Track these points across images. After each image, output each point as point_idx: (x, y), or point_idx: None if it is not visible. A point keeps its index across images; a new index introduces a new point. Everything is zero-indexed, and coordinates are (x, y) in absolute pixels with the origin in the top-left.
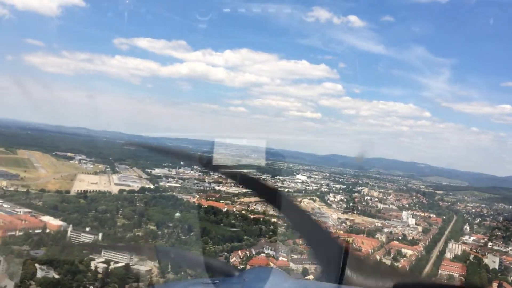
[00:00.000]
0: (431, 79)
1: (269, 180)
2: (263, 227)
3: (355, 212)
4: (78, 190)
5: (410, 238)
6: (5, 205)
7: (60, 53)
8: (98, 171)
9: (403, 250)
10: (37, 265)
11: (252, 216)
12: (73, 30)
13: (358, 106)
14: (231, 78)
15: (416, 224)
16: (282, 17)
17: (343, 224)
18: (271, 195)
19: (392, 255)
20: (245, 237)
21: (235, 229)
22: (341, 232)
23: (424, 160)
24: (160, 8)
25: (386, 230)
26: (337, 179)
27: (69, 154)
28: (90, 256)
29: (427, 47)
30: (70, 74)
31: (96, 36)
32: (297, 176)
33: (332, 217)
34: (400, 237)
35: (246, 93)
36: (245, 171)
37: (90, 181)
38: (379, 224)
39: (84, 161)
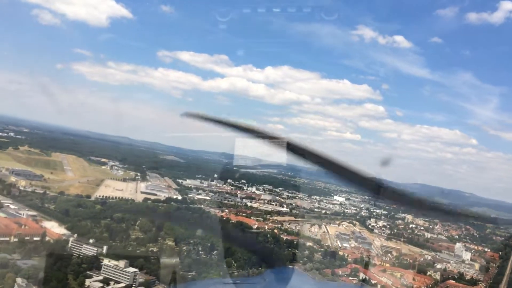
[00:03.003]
0: (478, 106)
1: (305, 199)
2: (297, 251)
3: (401, 240)
4: (99, 196)
5: (468, 277)
6: (12, 206)
7: (107, 63)
8: (127, 177)
9: None
10: (18, 280)
11: (285, 238)
12: (119, 41)
13: (400, 130)
14: (271, 95)
15: (471, 260)
16: (325, 36)
17: (389, 254)
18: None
19: None
20: (277, 262)
21: (264, 252)
22: (387, 265)
23: (469, 189)
24: (204, 23)
25: (438, 265)
26: (377, 203)
27: (102, 160)
28: (88, 272)
29: (475, 73)
30: (115, 84)
31: (141, 48)
32: (335, 197)
33: (375, 243)
34: (456, 275)
35: (285, 110)
36: None
37: (116, 187)
38: (429, 257)
39: (116, 167)
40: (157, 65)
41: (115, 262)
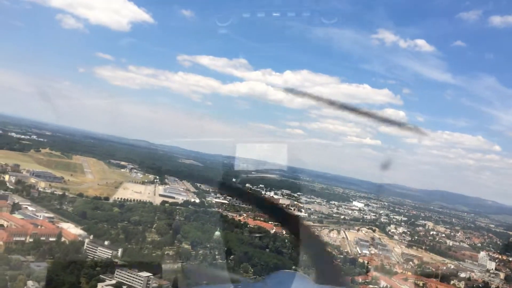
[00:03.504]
0: (502, 111)
1: (324, 205)
2: None
3: (423, 248)
4: (117, 198)
5: (494, 286)
6: (30, 208)
7: (127, 67)
8: (146, 181)
9: None
10: (29, 283)
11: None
12: (140, 46)
13: (421, 136)
14: (290, 99)
15: (496, 269)
16: (345, 40)
17: (410, 262)
18: (288, 220)
19: None
20: (293, 267)
21: (282, 257)
22: (409, 273)
23: (491, 197)
24: (223, 27)
25: (462, 274)
26: (397, 209)
27: (122, 163)
28: (101, 276)
29: (498, 77)
30: (135, 88)
31: (161, 52)
32: (354, 202)
33: (395, 250)
34: (481, 285)
35: (304, 115)
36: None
37: (134, 190)
38: (452, 266)
39: (135, 170)
40: (177, 69)
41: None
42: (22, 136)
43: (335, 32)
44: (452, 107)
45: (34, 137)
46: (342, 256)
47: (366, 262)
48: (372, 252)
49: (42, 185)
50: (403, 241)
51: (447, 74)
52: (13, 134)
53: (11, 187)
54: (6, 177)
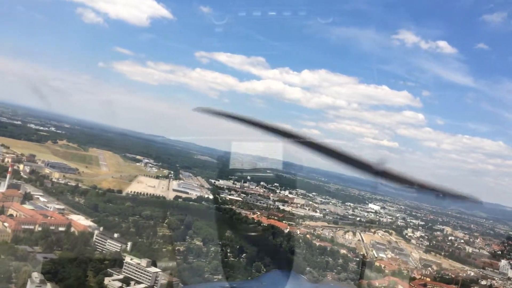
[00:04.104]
0: None
1: (339, 206)
2: (330, 259)
3: (442, 254)
4: (131, 192)
5: None
6: (41, 198)
7: (146, 62)
8: (160, 175)
9: None
10: (34, 274)
11: (317, 244)
12: (159, 41)
13: (440, 139)
14: (307, 98)
15: None
16: (364, 40)
17: (428, 267)
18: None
19: None
20: (307, 268)
21: (295, 257)
22: (428, 279)
23: (510, 203)
24: (241, 25)
25: (483, 282)
26: (414, 213)
27: (137, 157)
28: (109, 270)
29: None
30: (154, 83)
31: (179, 48)
32: (370, 205)
33: (413, 255)
34: None
35: (320, 115)
36: None
37: (148, 184)
38: (472, 273)
39: (150, 164)
40: (195, 66)
41: (137, 261)
42: (41, 128)
43: (355, 32)
44: (473, 111)
45: (53, 129)
46: (358, 258)
47: (383, 266)
48: (389, 256)
49: (56, 175)
50: (420, 245)
51: (469, 77)
52: (32, 126)
53: (25, 176)
54: (21, 167)
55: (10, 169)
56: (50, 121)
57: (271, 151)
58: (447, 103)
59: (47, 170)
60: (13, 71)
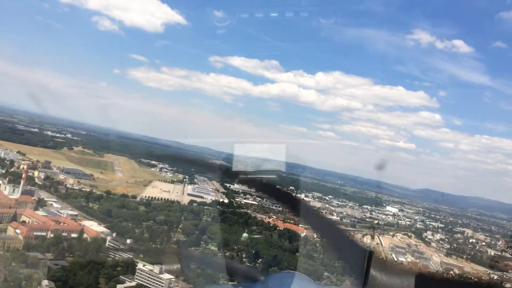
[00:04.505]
0: None
1: (356, 209)
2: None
3: (464, 258)
4: (145, 196)
5: None
6: (55, 204)
7: (161, 68)
8: (175, 180)
9: None
10: (44, 282)
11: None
12: (173, 47)
13: (458, 139)
14: (322, 101)
15: None
16: (378, 41)
17: (450, 271)
18: (293, 203)
19: None
20: (325, 273)
21: (313, 262)
22: None
23: None
24: (255, 28)
25: (507, 285)
26: (432, 215)
27: (152, 162)
28: (121, 276)
29: None
30: (168, 89)
31: (193, 53)
32: (387, 207)
33: (434, 259)
34: None
35: (335, 117)
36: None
37: (163, 188)
38: (496, 277)
39: (165, 169)
40: (209, 70)
41: (150, 267)
42: (57, 135)
43: (369, 32)
44: (491, 110)
45: (69, 135)
46: None
47: None
48: (409, 259)
49: (70, 181)
50: (441, 248)
51: (486, 76)
52: (49, 133)
53: (39, 183)
54: (36, 173)
55: (24, 175)
56: (67, 128)
57: (278, 153)
58: (464, 103)
59: (61, 176)
60: (31, 80)
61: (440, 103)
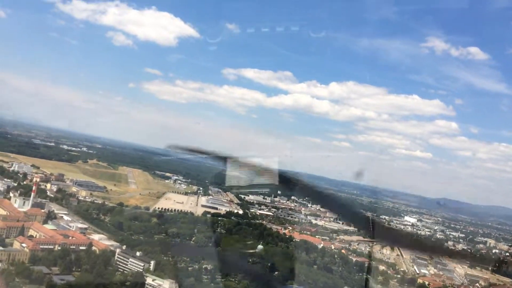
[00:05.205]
0: None
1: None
2: (369, 276)
3: (490, 269)
4: (158, 208)
5: None
6: (65, 217)
7: (174, 81)
8: (189, 191)
9: None
10: None
11: (354, 259)
12: (186, 60)
13: (475, 148)
14: (336, 111)
15: None
16: (392, 50)
17: (476, 283)
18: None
19: None
20: (345, 287)
21: (331, 275)
22: None
23: None
24: (267, 40)
25: None
26: (452, 225)
27: (167, 174)
28: None
29: None
30: (182, 102)
31: (206, 66)
32: (405, 217)
33: (457, 271)
34: None
35: (350, 127)
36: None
37: (176, 200)
38: None
39: (179, 181)
40: (222, 83)
41: (160, 282)
42: (73, 148)
43: (382, 42)
44: (508, 118)
45: (84, 149)
46: (399, 276)
47: (426, 283)
48: (431, 271)
49: (83, 194)
50: (464, 260)
51: (502, 84)
52: (65, 147)
53: (51, 195)
54: (48, 186)
55: (34, 187)
56: (83, 142)
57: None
58: (481, 111)
59: (74, 189)
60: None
61: (457, 111)
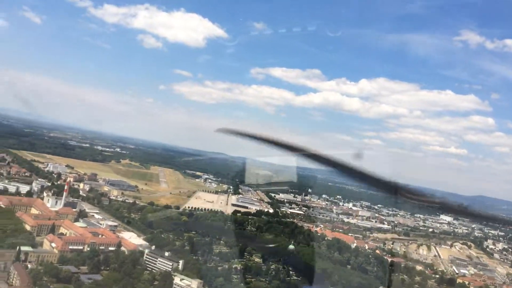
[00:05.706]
0: None
1: (408, 217)
2: (406, 277)
3: None
4: (188, 207)
5: None
6: (96, 216)
7: (204, 82)
8: (219, 190)
9: None
10: None
11: (389, 259)
12: (215, 61)
13: None
14: (366, 108)
15: None
16: (423, 45)
17: None
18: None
19: None
20: (380, 287)
21: (366, 276)
22: None
23: None
24: (295, 39)
25: None
26: (490, 223)
27: (197, 173)
28: None
29: None
30: (211, 102)
31: (235, 66)
32: (441, 216)
33: (499, 270)
34: None
35: (381, 125)
36: None
37: (206, 199)
38: None
39: (209, 180)
40: (251, 82)
41: (188, 282)
42: (107, 149)
43: (412, 37)
44: None
45: (118, 149)
46: (437, 276)
47: (467, 282)
48: (471, 272)
49: (114, 193)
50: (505, 260)
51: None
52: (99, 147)
53: (84, 195)
54: (81, 185)
55: (66, 187)
56: (116, 142)
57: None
58: None
59: (106, 188)
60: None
61: (493, 106)
